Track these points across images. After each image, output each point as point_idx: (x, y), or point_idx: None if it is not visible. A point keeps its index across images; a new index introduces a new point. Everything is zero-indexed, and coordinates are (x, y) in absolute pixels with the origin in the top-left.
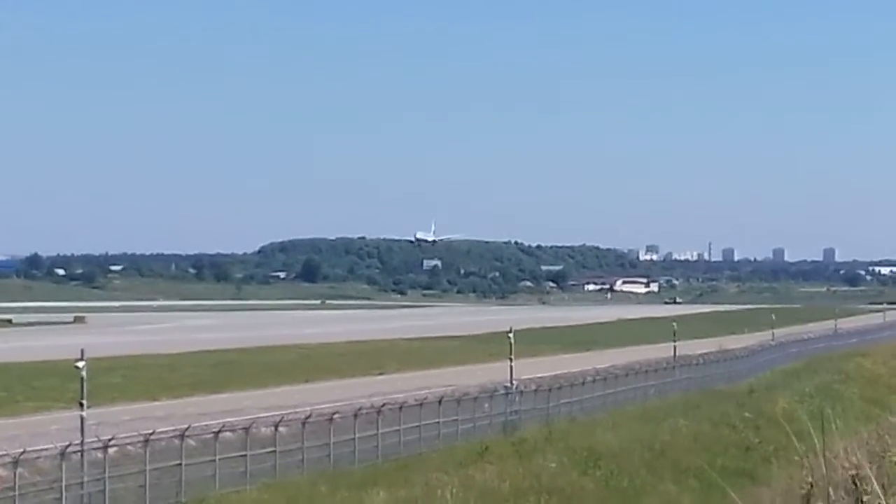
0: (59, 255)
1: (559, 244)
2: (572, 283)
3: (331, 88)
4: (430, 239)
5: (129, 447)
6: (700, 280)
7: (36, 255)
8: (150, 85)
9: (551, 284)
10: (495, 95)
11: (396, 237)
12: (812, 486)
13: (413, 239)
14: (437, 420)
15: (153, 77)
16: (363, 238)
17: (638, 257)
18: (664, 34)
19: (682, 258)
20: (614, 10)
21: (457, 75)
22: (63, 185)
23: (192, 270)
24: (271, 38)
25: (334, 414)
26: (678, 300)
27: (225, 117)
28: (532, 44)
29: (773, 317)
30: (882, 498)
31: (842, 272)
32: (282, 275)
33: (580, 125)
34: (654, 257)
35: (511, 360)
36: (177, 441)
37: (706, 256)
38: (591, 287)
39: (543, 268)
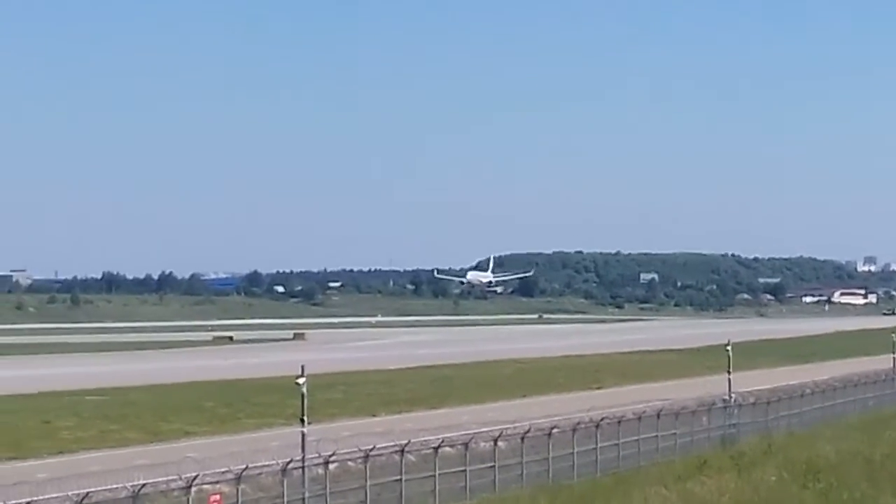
0: (278, 272)
1: (776, 256)
2: (790, 295)
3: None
4: (485, 280)
5: (350, 463)
6: None
7: (256, 272)
8: (383, 102)
9: (769, 297)
10: (718, 106)
11: (613, 251)
12: None
13: (463, 281)
14: (655, 434)
15: (385, 91)
16: (580, 252)
17: (856, 268)
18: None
19: None
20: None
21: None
22: (283, 203)
23: (409, 286)
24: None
25: (553, 428)
26: None
27: (440, 132)
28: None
29: None
30: None
31: None
32: (499, 289)
33: (800, 135)
34: (872, 268)
35: (729, 372)
36: (396, 456)
37: None
38: (808, 299)
39: (761, 280)
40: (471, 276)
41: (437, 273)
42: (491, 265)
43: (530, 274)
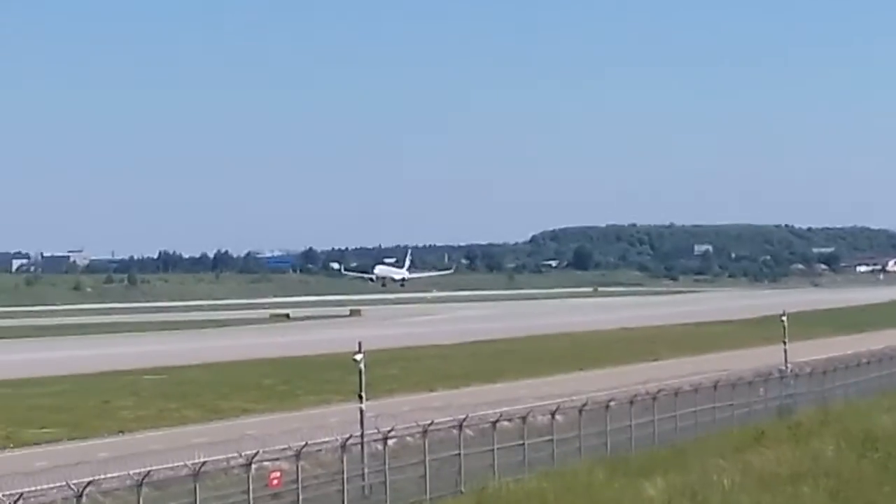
0: (333, 249)
1: (830, 226)
2: (844, 264)
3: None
4: (398, 277)
5: (409, 438)
6: None
7: (311, 249)
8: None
9: (823, 267)
10: (768, 74)
11: (666, 223)
12: None
13: (373, 278)
14: (712, 405)
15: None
16: (634, 225)
17: None
18: None
19: None
20: None
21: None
22: (337, 181)
23: (465, 261)
24: None
25: (610, 401)
26: None
27: (492, 111)
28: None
29: None
30: None
31: None
32: (553, 263)
33: (854, 104)
34: None
35: (785, 343)
36: (455, 431)
37: None
38: (862, 268)
39: (815, 250)
40: (379, 270)
41: (346, 270)
42: (408, 262)
43: (451, 271)
